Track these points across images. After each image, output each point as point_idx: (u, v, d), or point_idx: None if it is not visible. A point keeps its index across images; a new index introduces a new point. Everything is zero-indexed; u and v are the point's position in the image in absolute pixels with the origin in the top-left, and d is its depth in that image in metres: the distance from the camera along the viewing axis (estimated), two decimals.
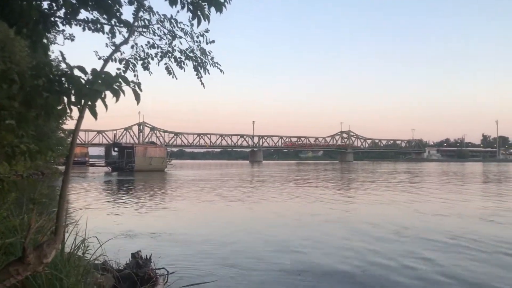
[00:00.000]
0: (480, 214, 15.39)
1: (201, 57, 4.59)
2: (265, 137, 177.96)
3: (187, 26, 4.63)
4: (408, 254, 9.01)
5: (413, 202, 19.88)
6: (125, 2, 4.42)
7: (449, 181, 39.22)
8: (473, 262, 8.39)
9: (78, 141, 3.11)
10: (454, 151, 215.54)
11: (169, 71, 4.69)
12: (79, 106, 2.58)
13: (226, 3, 4.04)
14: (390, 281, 7.15)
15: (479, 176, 51.66)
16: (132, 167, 65.06)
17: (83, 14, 4.58)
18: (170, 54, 4.58)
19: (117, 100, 2.65)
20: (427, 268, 7.92)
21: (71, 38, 5.48)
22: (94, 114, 2.58)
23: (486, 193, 26.70)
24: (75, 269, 4.02)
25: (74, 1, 4.19)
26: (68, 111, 2.64)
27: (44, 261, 2.71)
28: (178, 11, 4.31)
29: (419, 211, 16.46)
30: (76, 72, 2.57)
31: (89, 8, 4.38)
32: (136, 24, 4.34)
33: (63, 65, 2.78)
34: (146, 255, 6.67)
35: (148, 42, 4.48)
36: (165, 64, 4.59)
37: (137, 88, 2.76)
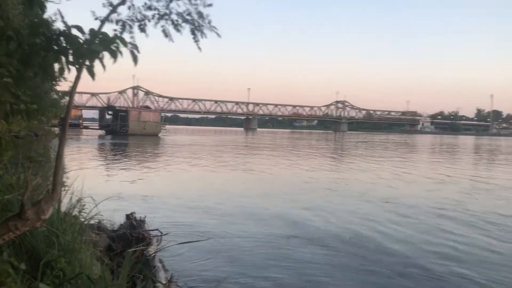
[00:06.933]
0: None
1: (198, 20, 4.53)
2: (260, 105, 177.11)
3: None
4: None
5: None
6: None
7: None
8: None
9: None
10: (448, 124, 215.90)
11: (166, 34, 4.63)
12: (77, 66, 2.58)
13: None
14: None
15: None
16: (126, 130, 64.90)
17: None
18: (167, 17, 4.51)
19: (114, 61, 2.65)
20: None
21: None
22: (92, 74, 2.59)
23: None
24: (71, 227, 4.10)
25: None
26: (66, 71, 2.65)
27: (42, 217, 2.77)
28: None
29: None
30: (74, 32, 2.56)
31: None
32: None
33: (57, 25, 2.75)
34: (140, 217, 6.79)
35: (145, 3, 4.40)
36: (162, 26, 4.52)
37: (134, 50, 2.76)
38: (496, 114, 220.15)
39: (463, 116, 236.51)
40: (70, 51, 2.50)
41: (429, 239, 8.16)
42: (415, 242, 7.90)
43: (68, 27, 2.53)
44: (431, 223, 9.50)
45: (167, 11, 4.66)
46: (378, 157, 31.63)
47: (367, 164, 25.32)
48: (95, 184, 12.46)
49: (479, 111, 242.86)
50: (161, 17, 4.67)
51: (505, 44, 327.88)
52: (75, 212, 4.65)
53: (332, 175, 18.90)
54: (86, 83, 2.77)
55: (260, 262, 6.57)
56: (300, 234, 8.28)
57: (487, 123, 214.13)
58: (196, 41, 4.90)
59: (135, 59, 2.73)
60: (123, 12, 4.29)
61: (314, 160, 27.17)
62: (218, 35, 5.09)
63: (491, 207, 11.42)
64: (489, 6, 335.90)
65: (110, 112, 73.27)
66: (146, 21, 4.54)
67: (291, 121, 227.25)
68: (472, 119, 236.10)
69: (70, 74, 2.76)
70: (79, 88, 3.10)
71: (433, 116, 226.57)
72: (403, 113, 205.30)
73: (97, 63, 2.61)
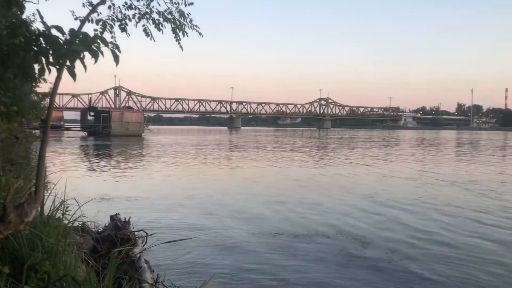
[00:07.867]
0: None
1: (180, 19, 4.52)
2: (244, 103, 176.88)
3: None
4: None
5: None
6: None
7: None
8: None
9: None
10: (430, 119, 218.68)
11: (147, 33, 4.60)
12: (57, 67, 2.56)
13: None
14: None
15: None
16: (108, 131, 64.20)
17: None
18: (148, 16, 4.49)
19: (95, 61, 2.63)
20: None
21: None
22: (73, 75, 2.57)
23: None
24: (55, 230, 4.06)
25: None
26: (47, 72, 2.62)
27: (25, 220, 2.74)
28: None
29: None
30: (54, 32, 2.54)
31: None
32: None
33: (35, 25, 2.73)
34: (125, 218, 6.74)
35: (126, 3, 4.37)
36: (143, 26, 4.50)
37: (115, 50, 2.74)
38: (477, 108, 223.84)
39: (445, 111, 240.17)
40: (50, 52, 2.48)
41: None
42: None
43: (48, 28, 2.50)
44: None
45: (148, 10, 4.64)
46: (358, 155, 31.99)
47: (347, 162, 25.59)
48: (78, 186, 12.31)
49: (460, 106, 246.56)
50: (142, 16, 4.65)
51: (485, 39, 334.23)
52: (59, 214, 4.61)
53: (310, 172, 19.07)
54: (66, 84, 2.74)
55: (247, 259, 6.59)
56: (285, 231, 8.33)
57: (468, 118, 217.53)
58: (178, 40, 4.89)
59: (116, 59, 2.72)
60: (104, 12, 4.26)
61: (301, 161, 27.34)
62: (200, 34, 5.08)
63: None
64: (469, 3, 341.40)
65: (92, 113, 72.42)
66: (127, 20, 4.52)
67: (274, 119, 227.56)
68: (453, 114, 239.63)
69: (51, 75, 2.73)
70: (59, 90, 3.07)
71: (415, 111, 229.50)
72: (386, 109, 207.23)
73: (78, 63, 2.59)
